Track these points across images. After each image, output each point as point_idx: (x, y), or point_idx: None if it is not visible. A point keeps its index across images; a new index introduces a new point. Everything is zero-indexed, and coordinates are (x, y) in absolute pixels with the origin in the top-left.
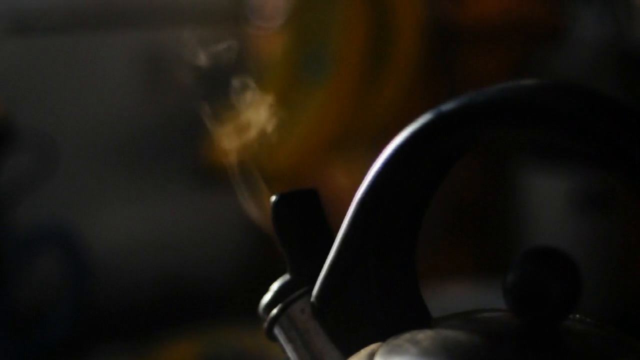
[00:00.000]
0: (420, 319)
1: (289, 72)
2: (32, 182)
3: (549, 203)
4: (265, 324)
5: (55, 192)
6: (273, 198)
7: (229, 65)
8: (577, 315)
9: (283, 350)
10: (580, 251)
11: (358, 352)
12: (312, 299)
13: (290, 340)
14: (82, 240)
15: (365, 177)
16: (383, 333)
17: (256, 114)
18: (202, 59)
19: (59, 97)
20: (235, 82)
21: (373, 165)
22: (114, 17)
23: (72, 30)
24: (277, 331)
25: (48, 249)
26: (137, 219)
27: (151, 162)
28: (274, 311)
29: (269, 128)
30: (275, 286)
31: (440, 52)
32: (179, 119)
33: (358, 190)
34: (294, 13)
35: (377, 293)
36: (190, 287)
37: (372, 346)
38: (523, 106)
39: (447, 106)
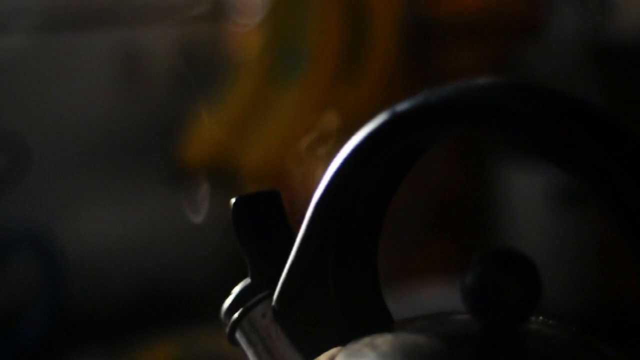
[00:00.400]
0: (381, 322)
1: (265, 69)
2: (5, 183)
3: (527, 199)
4: (227, 329)
5: (29, 194)
6: (232, 200)
7: (205, 64)
8: (540, 317)
9: (245, 355)
10: (557, 247)
11: (318, 357)
12: (273, 303)
13: (251, 344)
14: (56, 243)
15: (322, 179)
16: (344, 336)
17: (232, 111)
18: (179, 58)
19: (33, 97)
20: (211, 80)
21: (329, 167)
22: (90, 16)
23: (47, 29)
24: (238, 336)
25: (22, 252)
26: (112, 220)
27: (127, 162)
28: (235, 315)
29: (245, 126)
30: (236, 290)
31: (418, 48)
32: (155, 118)
33: (314, 192)
34: (270, 10)
35: (337, 296)
36: (166, 289)
37: (332, 350)
38: (476, 106)
39: (402, 106)
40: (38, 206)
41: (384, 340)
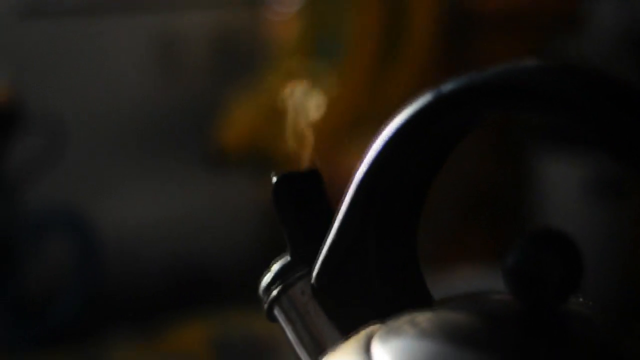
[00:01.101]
0: (421, 300)
1: (304, 55)
2: (43, 165)
3: (563, 190)
4: (265, 305)
5: (66, 175)
6: (274, 179)
7: (243, 49)
8: (580, 299)
9: (283, 331)
10: (593, 237)
11: (357, 333)
12: (312, 280)
13: (290, 321)
14: (92, 224)
15: (364, 157)
16: (383, 314)
17: (271, 97)
18: (217, 43)
19: (72, 81)
20: (250, 66)
21: (372, 145)
22: (130, 1)
23: (86, 13)
24: (277, 312)
25: (59, 233)
26: (148, 202)
27: (164, 145)
28: (274, 292)
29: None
30: (275, 267)
31: (456, 38)
32: (193, 102)
33: (357, 171)
34: None
35: (377, 274)
36: (201, 270)
37: (371, 327)
38: (522, 87)
39: (447, 86)
40: (75, 187)
41: (424, 318)
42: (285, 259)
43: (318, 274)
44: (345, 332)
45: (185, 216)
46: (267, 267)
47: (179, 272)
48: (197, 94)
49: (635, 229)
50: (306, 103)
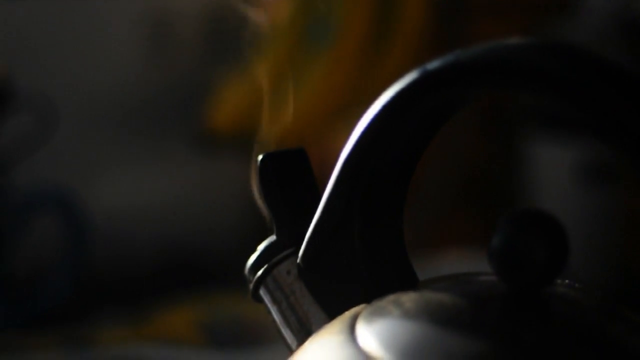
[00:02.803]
0: (407, 281)
1: (295, 37)
2: (31, 144)
3: (553, 173)
4: (251, 286)
5: (55, 155)
6: (259, 157)
7: (234, 30)
8: (566, 281)
9: (268, 312)
10: (584, 222)
11: (343, 314)
12: (298, 260)
13: (275, 301)
14: (81, 205)
15: (351, 136)
16: (369, 295)
17: (261, 79)
18: (208, 23)
19: (60, 59)
20: (240, 47)
21: (358, 124)
22: None
23: None
24: (262, 292)
25: (47, 213)
26: (138, 184)
27: (154, 126)
28: (260, 272)
29: (274, 94)
30: (261, 247)
31: (448, 21)
32: (183, 83)
33: (343, 149)
34: None
35: (363, 254)
36: (189, 253)
37: (357, 308)
38: (510, 65)
39: (433, 64)
40: (64, 167)
41: (408, 298)
42: (271, 238)
43: (304, 253)
44: (331, 312)
45: (174, 198)
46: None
47: (167, 254)
48: (187, 75)
49: (625, 213)
50: (296, 86)
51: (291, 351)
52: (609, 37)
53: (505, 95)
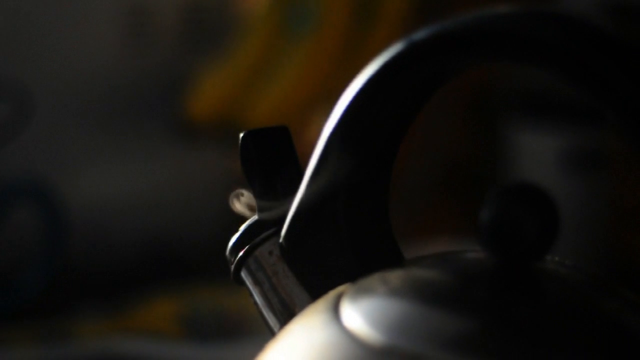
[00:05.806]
0: (392, 259)
1: (274, 25)
2: (6, 133)
3: (539, 161)
4: (232, 267)
5: (31, 145)
6: (241, 135)
7: (213, 18)
8: (556, 258)
9: (250, 294)
10: (569, 209)
11: (327, 294)
12: (281, 239)
13: (257, 283)
14: (58, 196)
15: (334, 111)
16: (353, 274)
17: (240, 68)
18: (187, 11)
19: (37, 47)
20: (220, 36)
21: (342, 98)
22: None
23: None
24: (244, 274)
25: (23, 204)
26: (116, 174)
27: (132, 116)
28: (241, 253)
29: (254, 83)
30: (243, 227)
31: (429, 6)
32: (162, 72)
33: (326, 125)
34: None
35: (347, 233)
36: (169, 245)
37: (341, 288)
38: (496, 33)
39: (419, 35)
40: (40, 157)
41: (394, 276)
42: (253, 218)
43: (287, 233)
44: (315, 293)
45: (153, 188)
46: None
47: (147, 246)
48: (166, 64)
49: (610, 200)
50: (276, 74)
51: (274, 334)
52: (595, 18)
53: (494, 65)
